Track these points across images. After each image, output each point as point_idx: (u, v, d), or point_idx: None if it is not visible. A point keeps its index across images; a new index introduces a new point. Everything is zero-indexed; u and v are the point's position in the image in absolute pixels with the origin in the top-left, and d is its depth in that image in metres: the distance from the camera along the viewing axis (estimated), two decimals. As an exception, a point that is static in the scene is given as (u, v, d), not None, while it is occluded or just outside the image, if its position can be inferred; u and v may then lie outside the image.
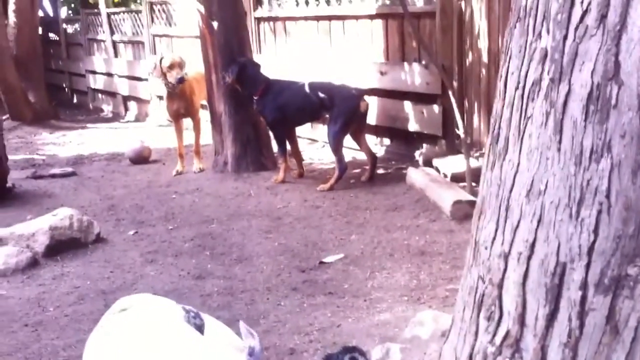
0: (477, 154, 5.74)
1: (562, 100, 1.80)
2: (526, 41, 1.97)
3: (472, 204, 4.68)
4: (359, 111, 5.72)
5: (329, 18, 7.39)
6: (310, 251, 4.27)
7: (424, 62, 6.26)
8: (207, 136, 7.24)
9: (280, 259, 4.16)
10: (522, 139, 1.93)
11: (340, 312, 3.37)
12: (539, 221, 1.86)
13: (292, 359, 2.92)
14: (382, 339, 2.95)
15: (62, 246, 4.39)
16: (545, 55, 1.87)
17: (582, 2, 1.73)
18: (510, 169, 1.96)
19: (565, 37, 1.79)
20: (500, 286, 1.95)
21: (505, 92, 2.04)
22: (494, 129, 2.09)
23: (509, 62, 2.04)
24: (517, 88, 1.98)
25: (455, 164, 5.65)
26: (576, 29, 1.76)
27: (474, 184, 5.18)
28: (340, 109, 5.65)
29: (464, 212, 4.63)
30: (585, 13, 1.73)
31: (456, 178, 5.43)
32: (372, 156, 5.94)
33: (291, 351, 2.99)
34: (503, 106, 2.04)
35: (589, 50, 1.75)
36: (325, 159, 6.91)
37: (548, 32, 1.89)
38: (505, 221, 1.96)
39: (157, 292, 3.69)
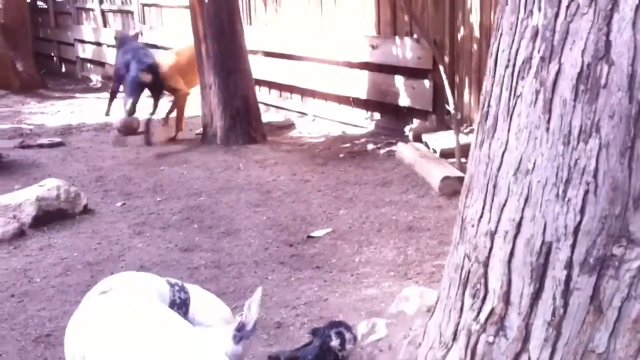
0: (467, 130, 5.74)
1: (552, 79, 1.79)
2: (517, 18, 1.95)
3: (460, 180, 4.67)
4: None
5: (321, -11, 7.32)
6: (298, 225, 4.27)
7: (415, 37, 6.22)
8: (196, 108, 7.21)
9: (268, 232, 4.16)
10: (511, 117, 1.92)
11: (327, 287, 3.38)
12: (526, 200, 1.86)
13: (278, 333, 2.93)
14: (368, 314, 2.97)
15: (49, 217, 4.37)
16: (536, 34, 1.86)
17: (574, -20, 1.72)
18: (498, 147, 1.96)
19: (556, 15, 1.77)
20: (485, 264, 1.96)
21: (495, 69, 2.03)
22: (484, 107, 2.08)
23: (499, 40, 2.03)
24: (507, 66, 1.96)
25: (444, 139, 5.65)
26: (568, 7, 1.74)
27: (463, 160, 5.18)
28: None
29: (452, 188, 4.64)
30: (577, -9, 1.71)
31: (445, 154, 5.43)
32: None
33: (278, 325, 3.00)
34: (493, 84, 2.03)
35: (580, 29, 1.74)
36: (314, 133, 6.89)
37: (539, 9, 1.87)
38: (493, 199, 1.96)
39: (145, 265, 3.70)
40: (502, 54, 2.00)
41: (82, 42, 11.97)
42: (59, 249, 4.01)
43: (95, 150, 6.52)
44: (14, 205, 4.34)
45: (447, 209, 4.39)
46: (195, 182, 5.32)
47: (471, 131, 5.71)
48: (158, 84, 6.66)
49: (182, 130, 6.92)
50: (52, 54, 13.48)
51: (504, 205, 1.91)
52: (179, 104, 6.93)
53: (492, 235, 1.94)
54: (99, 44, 11.37)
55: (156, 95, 6.80)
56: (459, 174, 4.76)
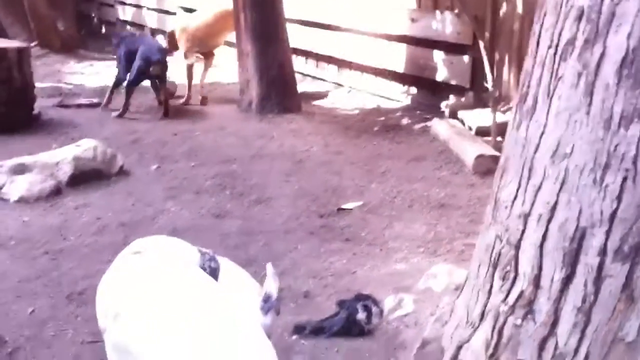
0: (505, 108, 5.67)
1: (596, 62, 1.76)
2: (563, -2, 1.91)
3: (495, 159, 4.63)
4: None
5: (363, -41, 7.23)
6: (329, 197, 4.28)
7: (456, 11, 6.12)
8: (233, 75, 7.23)
9: (299, 202, 4.18)
10: (551, 99, 1.90)
11: (356, 259, 3.39)
12: (562, 184, 1.84)
13: (305, 302, 2.96)
14: (395, 289, 2.97)
15: (85, 177, 4.43)
16: (582, 14, 1.82)
17: (624, -39, 1.67)
18: (536, 129, 1.94)
19: (603, -3, 1.73)
20: (517, 247, 1.95)
21: (537, 50, 2.00)
22: (523, 87, 2.05)
23: (543, 19, 1.99)
24: (549, 47, 1.93)
25: (481, 117, 5.59)
26: (616, -12, 1.70)
27: (499, 138, 5.12)
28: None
29: (486, 166, 4.60)
30: (627, -28, 1.67)
31: (481, 132, 5.38)
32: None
33: (305, 294, 3.03)
34: (534, 64, 2.00)
35: (627, 12, 1.70)
36: (349, 105, 6.86)
37: (587, -11, 1.83)
38: (528, 182, 1.94)
39: (177, 228, 3.75)
40: (545, 34, 1.96)
41: (123, 3, 12.01)
42: (94, 208, 4.07)
43: (132, 112, 6.57)
44: (52, 163, 4.42)
45: (480, 188, 4.36)
46: (229, 149, 5.34)
47: (508, 109, 5.63)
48: (163, 76, 6.55)
49: (191, 97, 6.96)
50: (93, 15, 13.56)
51: (539, 188, 1.90)
52: (188, 72, 6.96)
53: (526, 217, 1.93)
54: (139, 7, 11.40)
55: (159, 84, 6.66)
56: (494, 152, 4.72)
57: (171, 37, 7.19)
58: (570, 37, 1.85)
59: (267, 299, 2.00)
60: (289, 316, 2.78)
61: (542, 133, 1.90)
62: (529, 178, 1.94)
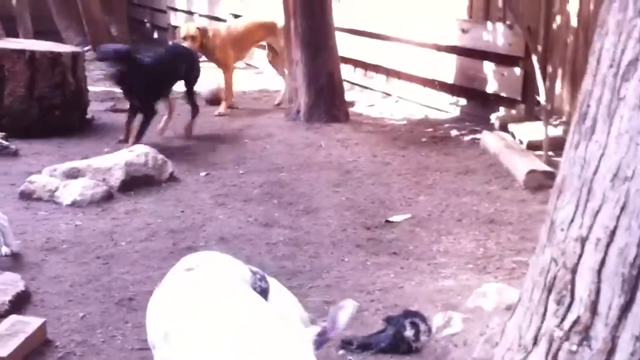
0: (557, 122, 5.57)
1: (661, 84, 1.71)
2: (625, 17, 1.86)
3: (547, 174, 4.56)
4: None
5: (413, -32, 7.20)
6: (377, 208, 4.26)
7: (508, 23, 6.05)
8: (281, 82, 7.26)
9: (346, 214, 4.17)
10: (612, 120, 1.85)
11: (404, 274, 3.36)
12: (622, 208, 1.79)
13: (352, 317, 2.93)
14: (444, 306, 2.94)
15: (136, 182, 4.51)
16: (647, 34, 1.78)
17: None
18: (596, 150, 1.89)
19: (670, 18, 1.68)
20: (574, 271, 1.90)
21: (597, 69, 1.95)
22: (582, 106, 2.00)
23: (604, 38, 1.94)
24: (611, 66, 1.88)
25: (532, 130, 5.50)
26: (683, 9, 1.65)
27: (550, 153, 5.04)
28: None
29: (538, 182, 4.52)
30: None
31: (532, 146, 5.29)
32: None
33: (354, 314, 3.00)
34: (594, 83, 1.95)
35: (696, 34, 1.65)
36: (397, 115, 6.83)
37: (652, 9, 1.79)
38: (586, 204, 1.89)
39: (225, 236, 3.78)
40: (606, 53, 1.91)
41: (174, 9, 12.20)
42: (144, 214, 4.13)
43: (182, 118, 6.62)
44: (104, 168, 4.50)
45: (531, 204, 4.29)
46: (276, 157, 5.37)
47: (561, 123, 5.53)
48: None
49: (232, 103, 7.00)
50: (145, 20, 13.81)
51: (598, 211, 1.85)
52: (226, 77, 7.01)
53: (583, 241, 1.88)
54: (190, 13, 11.56)
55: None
56: (545, 167, 4.64)
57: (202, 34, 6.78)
58: (632, 57, 1.81)
59: (322, 333, 1.95)
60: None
61: (602, 154, 1.85)
62: (587, 200, 1.89)
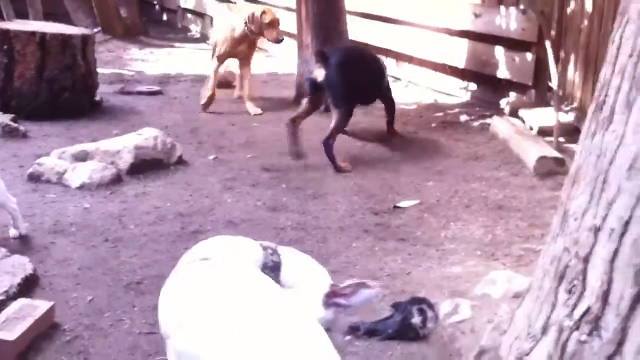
0: (568, 108, 5.52)
1: (680, 73, 1.68)
2: (646, 4, 1.83)
3: (557, 161, 4.53)
4: None
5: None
6: (385, 194, 4.24)
7: (522, 7, 5.98)
8: (291, 66, 7.22)
9: (354, 199, 4.15)
10: (630, 110, 1.82)
11: (411, 260, 3.35)
12: (637, 199, 1.77)
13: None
14: (451, 293, 2.93)
15: (145, 165, 4.49)
16: (667, 22, 1.74)
17: None
18: (613, 140, 1.86)
19: (693, 5, 1.65)
20: (586, 260, 1.88)
21: (616, 58, 1.92)
22: (600, 96, 1.97)
23: (624, 27, 1.91)
24: (631, 55, 1.85)
25: (543, 116, 5.45)
26: None
27: (561, 139, 5.00)
28: None
29: (548, 168, 4.49)
30: None
31: (543, 132, 5.24)
32: None
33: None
34: (613, 72, 1.92)
35: None
36: (407, 99, 6.78)
37: (673, -4, 1.75)
38: (601, 194, 1.87)
39: (233, 220, 3.77)
40: (626, 42, 1.88)
41: (184, -9, 12.13)
42: (152, 197, 4.13)
43: (192, 101, 6.63)
44: (113, 151, 4.49)
45: (540, 190, 4.25)
46: (285, 141, 5.33)
47: (572, 109, 5.48)
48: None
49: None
50: (155, 2, 13.74)
51: (613, 201, 1.83)
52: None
53: (597, 231, 1.86)
54: (199, -5, 11.50)
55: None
56: (556, 154, 4.60)
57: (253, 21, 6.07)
58: (652, 46, 1.78)
59: (330, 295, 1.98)
60: (342, 316, 2.76)
61: (619, 144, 1.83)
62: (602, 190, 1.86)
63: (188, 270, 1.81)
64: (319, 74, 4.83)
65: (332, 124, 4.83)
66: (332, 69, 4.78)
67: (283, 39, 6.10)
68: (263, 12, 6.03)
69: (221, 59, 6.35)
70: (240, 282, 1.74)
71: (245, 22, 6.04)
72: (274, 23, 6.05)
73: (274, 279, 1.94)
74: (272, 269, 1.97)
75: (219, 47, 6.31)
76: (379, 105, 5.66)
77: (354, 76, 4.89)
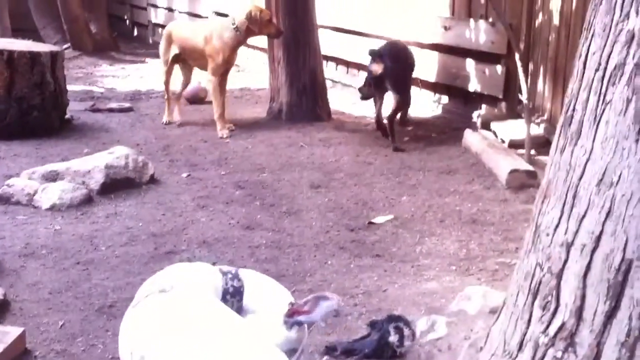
0: (539, 120, 5.57)
1: (647, 89, 1.70)
2: (612, 20, 1.85)
3: (529, 174, 4.56)
4: None
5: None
6: (360, 210, 4.23)
7: (490, 20, 6.05)
8: (263, 80, 7.21)
9: (329, 215, 4.14)
10: (597, 124, 1.84)
11: (387, 277, 3.34)
12: (607, 213, 1.78)
13: (335, 321, 2.90)
14: (428, 309, 2.92)
15: (116, 185, 4.44)
16: (632, 38, 1.77)
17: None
18: (581, 155, 1.88)
19: (657, 22, 1.67)
20: (559, 276, 1.89)
21: (583, 72, 1.93)
22: (568, 110, 1.99)
23: (590, 41, 1.93)
24: (597, 70, 1.87)
25: (514, 129, 5.50)
26: (670, 13, 1.64)
27: (533, 152, 5.04)
28: None
29: (520, 181, 4.52)
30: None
31: (514, 144, 5.29)
32: None
33: (335, 313, 2.98)
34: (580, 87, 1.94)
35: (682, 39, 1.63)
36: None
37: (637, 13, 1.78)
38: (571, 209, 1.88)
39: (207, 240, 3.74)
40: (593, 57, 1.90)
41: (155, 6, 12.09)
42: (124, 217, 4.07)
43: (163, 118, 6.58)
44: (83, 171, 4.43)
45: (513, 204, 4.28)
46: (258, 157, 5.32)
47: (543, 122, 5.54)
48: None
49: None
50: (125, 17, 13.67)
51: (584, 216, 1.84)
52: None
53: (569, 246, 1.87)
54: (170, 10, 11.46)
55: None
56: (528, 167, 4.64)
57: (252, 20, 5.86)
58: (619, 62, 1.80)
59: (291, 314, 1.94)
60: (318, 336, 2.74)
61: (588, 159, 1.84)
62: (572, 206, 1.87)
63: (146, 304, 1.78)
64: (377, 68, 5.61)
65: (394, 105, 5.68)
66: (387, 61, 5.59)
67: (283, 31, 6.12)
68: (260, 11, 5.93)
69: (219, 71, 6.00)
70: (200, 314, 1.72)
71: (236, 26, 5.84)
72: (271, 18, 6.04)
73: (236, 305, 1.91)
74: (234, 294, 1.93)
75: (215, 59, 5.93)
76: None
77: (402, 65, 5.80)
